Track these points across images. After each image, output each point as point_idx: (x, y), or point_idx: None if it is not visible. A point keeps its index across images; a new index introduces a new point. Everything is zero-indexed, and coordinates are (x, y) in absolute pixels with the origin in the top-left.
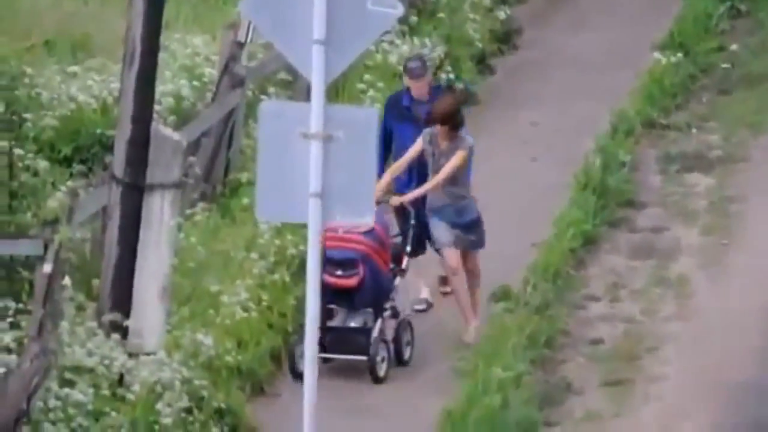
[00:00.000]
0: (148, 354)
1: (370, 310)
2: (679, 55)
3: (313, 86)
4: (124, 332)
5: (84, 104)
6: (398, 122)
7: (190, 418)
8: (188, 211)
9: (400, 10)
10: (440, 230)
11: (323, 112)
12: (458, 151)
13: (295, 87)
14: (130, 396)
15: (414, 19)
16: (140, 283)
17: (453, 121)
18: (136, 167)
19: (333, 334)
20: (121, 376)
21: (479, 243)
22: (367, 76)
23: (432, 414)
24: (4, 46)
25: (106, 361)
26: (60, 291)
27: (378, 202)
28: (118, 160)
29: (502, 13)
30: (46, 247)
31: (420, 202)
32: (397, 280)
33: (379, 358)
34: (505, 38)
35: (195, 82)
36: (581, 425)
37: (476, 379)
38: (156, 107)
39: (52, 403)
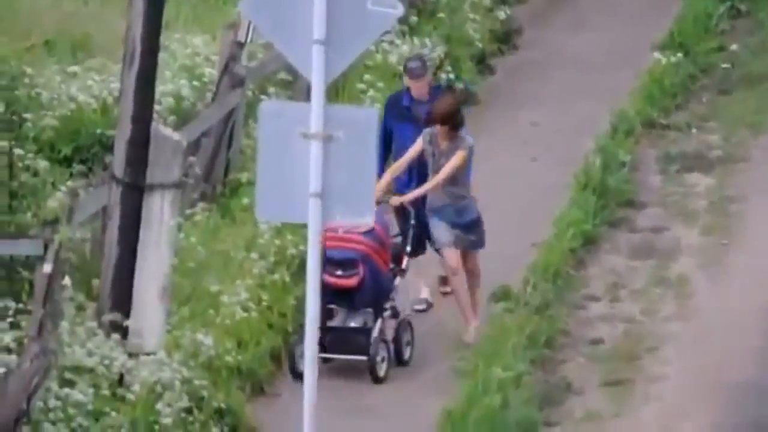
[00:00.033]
0: (148, 354)
1: (370, 310)
2: (679, 55)
3: (313, 86)
4: (124, 332)
5: (84, 104)
6: (398, 122)
7: (190, 418)
8: (188, 211)
9: (400, 10)
10: (440, 230)
11: (323, 112)
12: (458, 151)
13: (295, 87)
14: (130, 396)
15: (414, 19)
16: (140, 283)
17: (453, 121)
18: (136, 167)
19: (333, 334)
20: (121, 376)
21: (479, 243)
22: (367, 76)
23: (432, 414)
24: (4, 46)
25: (106, 361)
26: (60, 291)
27: (378, 202)
28: (118, 160)
29: (502, 13)
30: (46, 247)
31: (420, 202)
32: (397, 280)
33: (379, 358)
34: (505, 38)
35: (195, 82)
36: (581, 425)
37: (476, 379)
38: (156, 107)
39: (52, 403)
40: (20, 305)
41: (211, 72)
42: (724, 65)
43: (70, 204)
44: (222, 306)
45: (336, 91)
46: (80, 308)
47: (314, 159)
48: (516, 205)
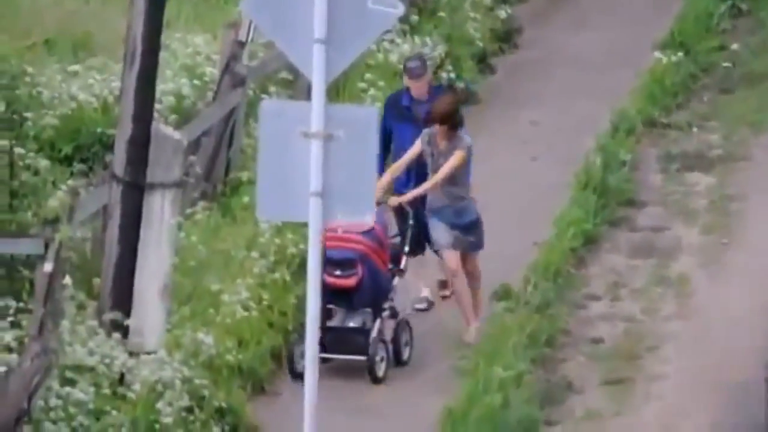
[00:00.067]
0: (148, 353)
1: (368, 310)
2: (680, 54)
3: (314, 85)
4: (124, 331)
5: (85, 103)
6: (398, 122)
7: (191, 417)
8: (189, 210)
9: (400, 9)
10: (439, 231)
11: (324, 111)
12: (456, 151)
13: (296, 86)
14: (131, 395)
15: (415, 18)
16: (141, 282)
17: (452, 121)
18: (136, 166)
19: (332, 334)
20: (122, 375)
21: (478, 244)
22: (368, 75)
23: (432, 413)
24: (4, 44)
25: (107, 360)
26: (61, 290)
27: (378, 203)
28: (118, 159)
29: (502, 12)
30: (46, 246)
31: (419, 203)
32: (396, 280)
33: (377, 358)
34: (506, 37)
35: (196, 81)
36: (582, 424)
37: (477, 378)
38: (157, 106)
39: (53, 402)
40: (21, 304)
41: (212, 71)
42: (725, 64)
43: (70, 203)
44: (222, 305)
45: (337, 90)
46: (81, 307)
47: (315, 158)
48: (516, 205)
